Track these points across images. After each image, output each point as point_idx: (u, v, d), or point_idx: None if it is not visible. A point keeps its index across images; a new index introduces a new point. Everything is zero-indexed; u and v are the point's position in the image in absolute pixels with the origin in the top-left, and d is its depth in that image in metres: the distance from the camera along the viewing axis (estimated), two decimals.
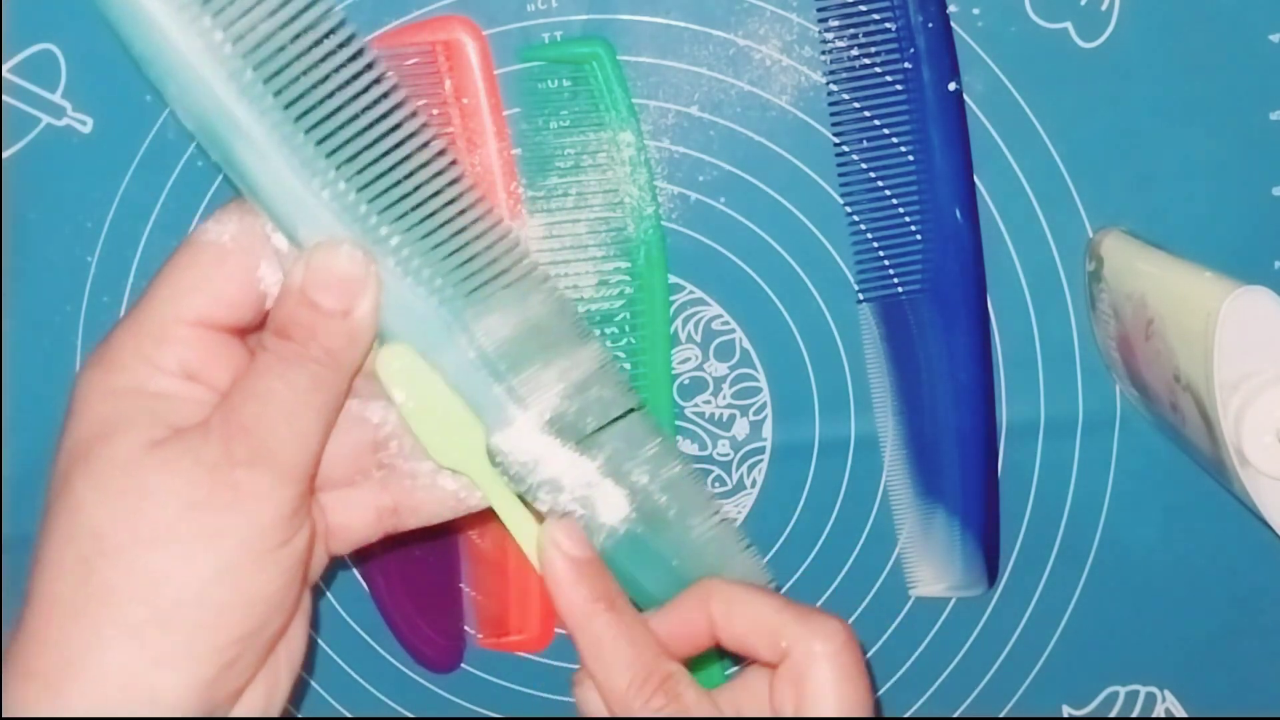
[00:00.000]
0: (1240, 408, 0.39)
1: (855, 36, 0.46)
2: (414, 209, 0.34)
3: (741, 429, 0.50)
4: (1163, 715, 0.52)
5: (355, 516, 0.36)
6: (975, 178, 0.46)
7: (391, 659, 0.51)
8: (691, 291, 0.48)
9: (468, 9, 0.46)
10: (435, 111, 0.46)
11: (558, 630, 0.51)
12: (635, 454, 0.37)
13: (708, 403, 0.49)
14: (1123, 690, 0.52)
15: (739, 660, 0.37)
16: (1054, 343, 0.49)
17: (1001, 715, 0.52)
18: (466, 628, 0.51)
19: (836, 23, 0.46)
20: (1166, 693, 0.52)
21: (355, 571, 0.50)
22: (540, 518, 0.36)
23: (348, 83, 0.33)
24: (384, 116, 0.33)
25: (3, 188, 0.47)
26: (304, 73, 0.32)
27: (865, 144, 0.47)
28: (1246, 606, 0.51)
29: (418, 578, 0.50)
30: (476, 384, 0.35)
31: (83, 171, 0.47)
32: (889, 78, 0.46)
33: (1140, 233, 0.47)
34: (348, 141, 0.33)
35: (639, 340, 0.47)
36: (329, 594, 0.51)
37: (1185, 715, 0.52)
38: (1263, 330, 0.38)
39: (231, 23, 0.32)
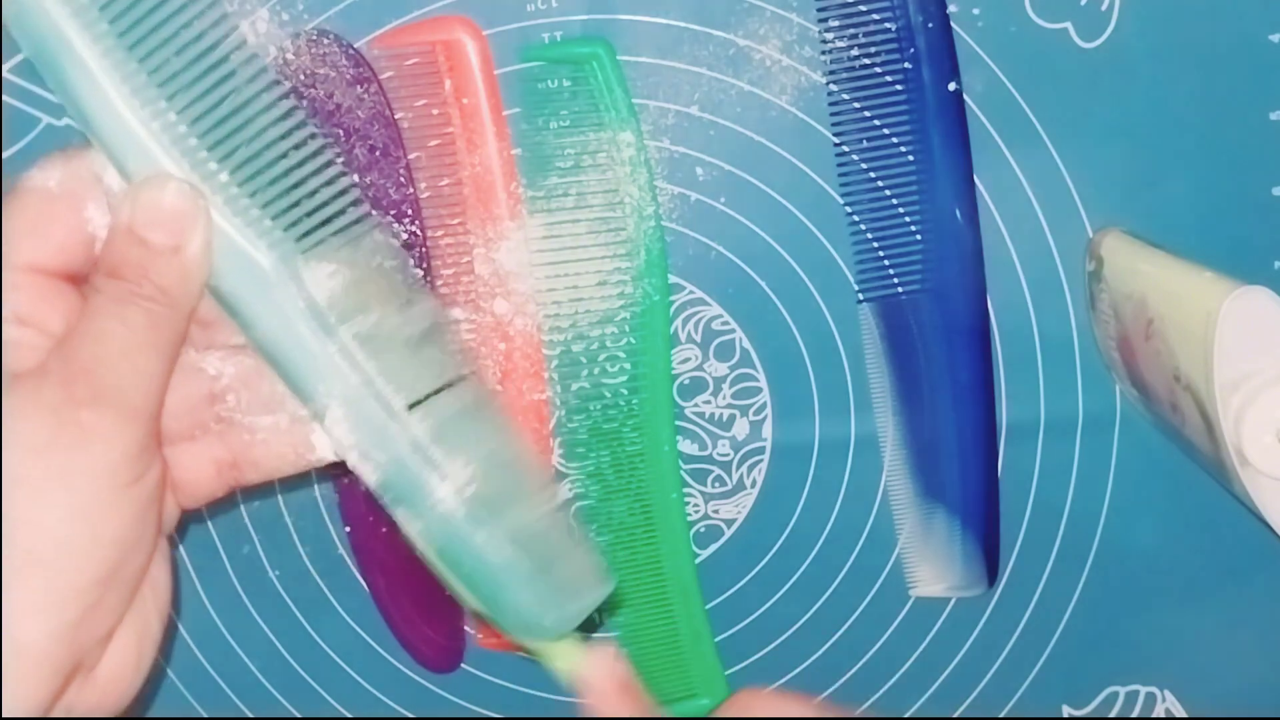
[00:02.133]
0: (1240, 408, 0.39)
1: (855, 36, 0.46)
2: (247, 146, 0.33)
3: (741, 429, 0.50)
4: (1163, 715, 0.52)
5: (196, 471, 0.36)
6: (975, 178, 0.46)
7: (391, 659, 0.51)
8: (691, 291, 0.48)
9: (468, 9, 0.46)
10: (435, 112, 0.46)
11: None
12: (469, 423, 0.34)
13: (708, 403, 0.49)
14: (1123, 690, 0.52)
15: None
16: (1054, 343, 0.49)
17: (1001, 715, 0.52)
18: (466, 628, 0.51)
19: (836, 23, 0.46)
20: (1166, 693, 0.52)
21: (355, 572, 0.50)
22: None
23: (185, 13, 0.32)
24: (222, 53, 0.32)
25: (3, 188, 0.47)
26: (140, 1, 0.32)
27: (865, 144, 0.47)
28: (1246, 606, 0.51)
29: (418, 578, 0.50)
30: (304, 335, 0.33)
31: None
32: (889, 78, 0.46)
33: (1140, 233, 0.47)
34: (181, 72, 0.32)
35: (639, 340, 0.47)
36: (329, 594, 0.51)
37: (1185, 715, 0.52)
38: (1263, 330, 0.38)
39: None
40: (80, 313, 0.33)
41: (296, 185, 0.33)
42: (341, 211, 0.34)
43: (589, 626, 0.35)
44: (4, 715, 0.30)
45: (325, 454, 0.35)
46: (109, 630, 0.33)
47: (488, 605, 0.35)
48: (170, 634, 0.51)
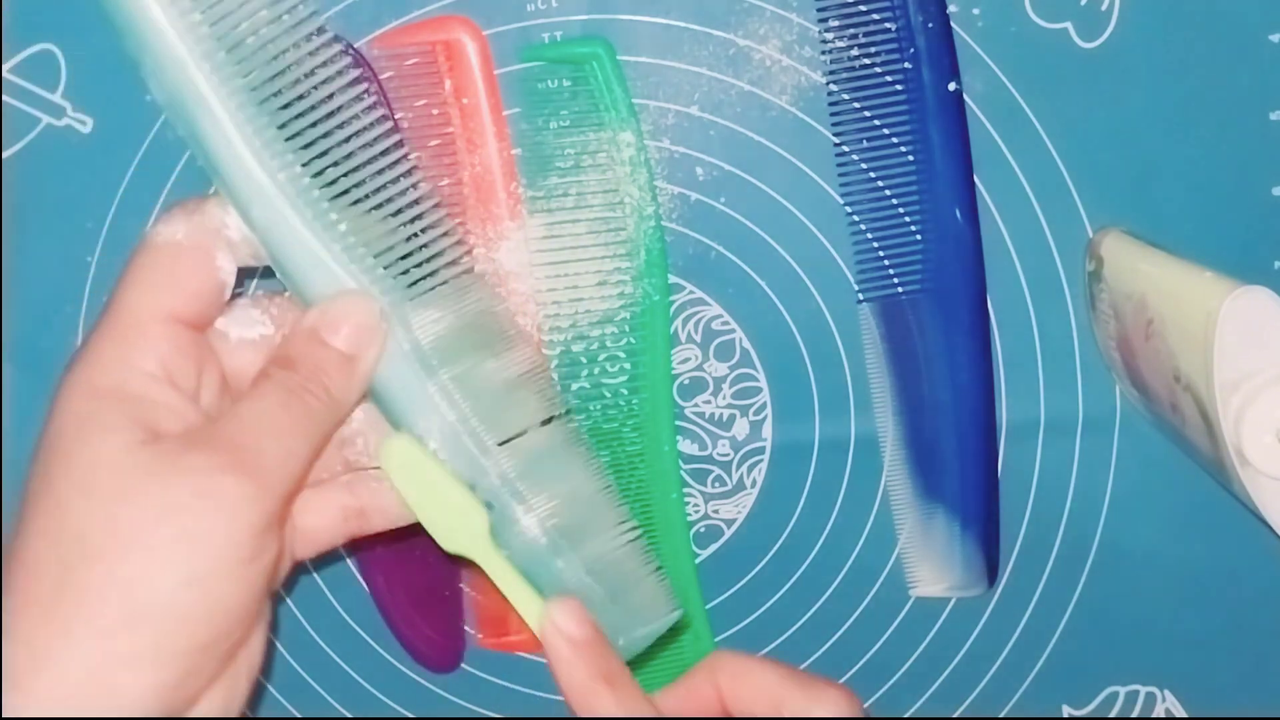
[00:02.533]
0: (1240, 408, 0.39)
1: (855, 36, 0.46)
2: (364, 199, 0.35)
3: (741, 429, 0.50)
4: (1163, 715, 0.52)
5: (321, 518, 0.36)
6: (975, 178, 0.46)
7: (391, 659, 0.51)
8: (691, 291, 0.48)
9: (468, 9, 0.46)
10: (435, 112, 0.46)
11: None
12: (555, 461, 0.37)
13: (708, 403, 0.49)
14: (1123, 690, 0.52)
15: None
16: (1054, 343, 0.49)
17: (1001, 715, 0.52)
18: (466, 628, 0.51)
19: (836, 23, 0.46)
20: (1166, 693, 0.52)
21: (355, 572, 0.50)
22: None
23: (314, 75, 0.34)
24: (346, 111, 0.35)
25: (3, 188, 0.47)
26: (273, 59, 0.34)
27: (865, 144, 0.47)
28: (1246, 606, 0.51)
29: (418, 578, 0.50)
30: (407, 376, 0.36)
31: (83, 171, 0.47)
32: (889, 78, 0.46)
33: (1140, 233, 0.47)
34: (308, 129, 0.35)
35: (639, 340, 0.47)
36: (329, 594, 0.51)
37: (1185, 715, 0.52)
38: (1263, 330, 0.38)
39: (211, 5, 0.34)
40: (214, 366, 0.35)
41: (408, 234, 0.36)
42: (450, 261, 0.36)
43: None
44: None
45: None
46: (201, 691, 0.33)
47: None
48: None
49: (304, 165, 0.35)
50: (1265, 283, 0.38)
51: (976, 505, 0.48)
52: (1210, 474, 0.43)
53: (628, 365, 0.47)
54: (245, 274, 0.36)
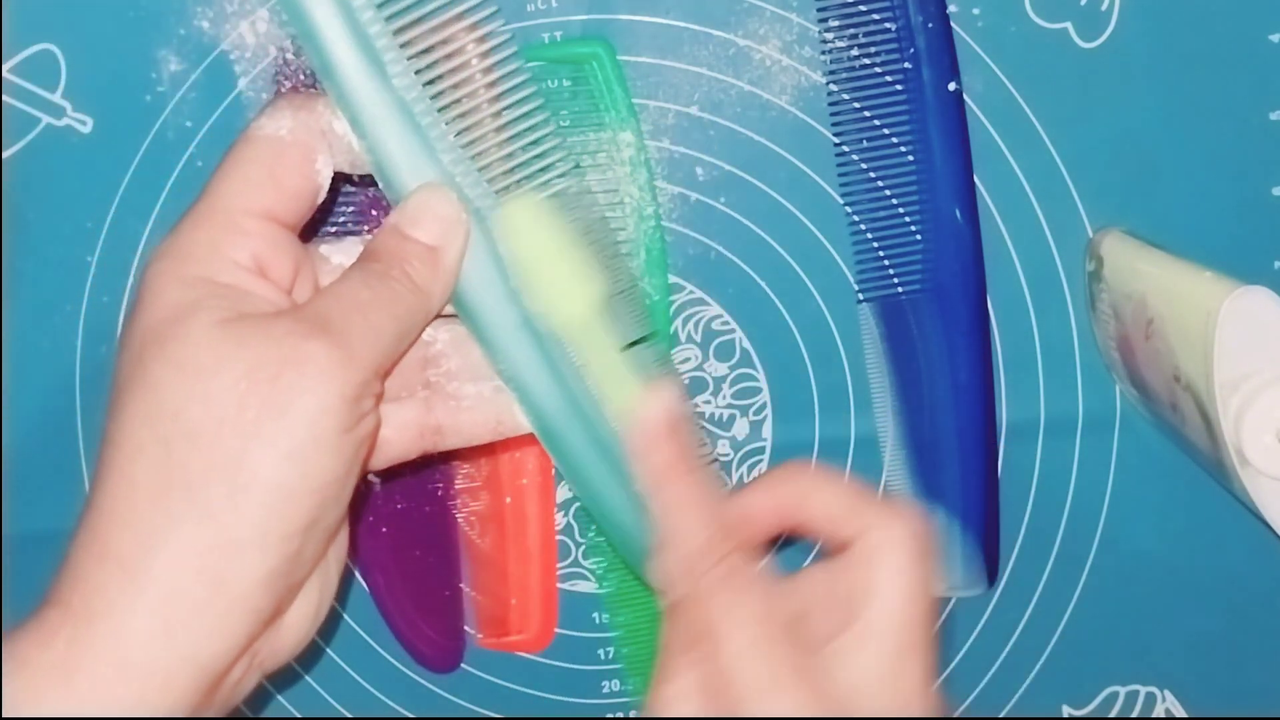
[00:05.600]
0: (1240, 408, 0.39)
1: (855, 36, 0.46)
2: (472, 111, 0.35)
3: (741, 429, 0.50)
4: (1163, 715, 0.52)
5: (398, 432, 0.37)
6: (975, 178, 0.46)
7: (391, 659, 0.51)
8: (691, 291, 0.48)
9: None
10: None
11: (558, 630, 0.51)
12: (639, 386, 0.37)
13: (708, 403, 0.49)
14: (1123, 690, 0.52)
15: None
16: (1054, 343, 0.49)
17: (1001, 715, 0.52)
18: (466, 628, 0.51)
19: (836, 23, 0.46)
20: (1166, 693, 0.52)
21: (356, 572, 0.50)
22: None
23: None
24: (459, 21, 0.35)
25: (3, 188, 0.47)
26: None
27: (865, 144, 0.47)
28: (1246, 606, 0.51)
29: (418, 578, 0.50)
30: (493, 279, 0.36)
31: (83, 171, 0.47)
32: (889, 78, 0.46)
33: (1140, 233, 0.47)
34: (423, 35, 0.35)
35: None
36: None
37: (1185, 715, 0.52)
38: (1263, 330, 0.38)
39: None
40: (309, 271, 0.35)
41: (512, 145, 0.36)
42: (552, 173, 0.36)
43: None
44: (203, 655, 0.31)
45: (523, 425, 0.37)
46: (305, 578, 0.33)
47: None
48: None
49: (417, 72, 0.35)
50: (1265, 283, 0.38)
51: (976, 505, 0.48)
52: (1210, 474, 0.43)
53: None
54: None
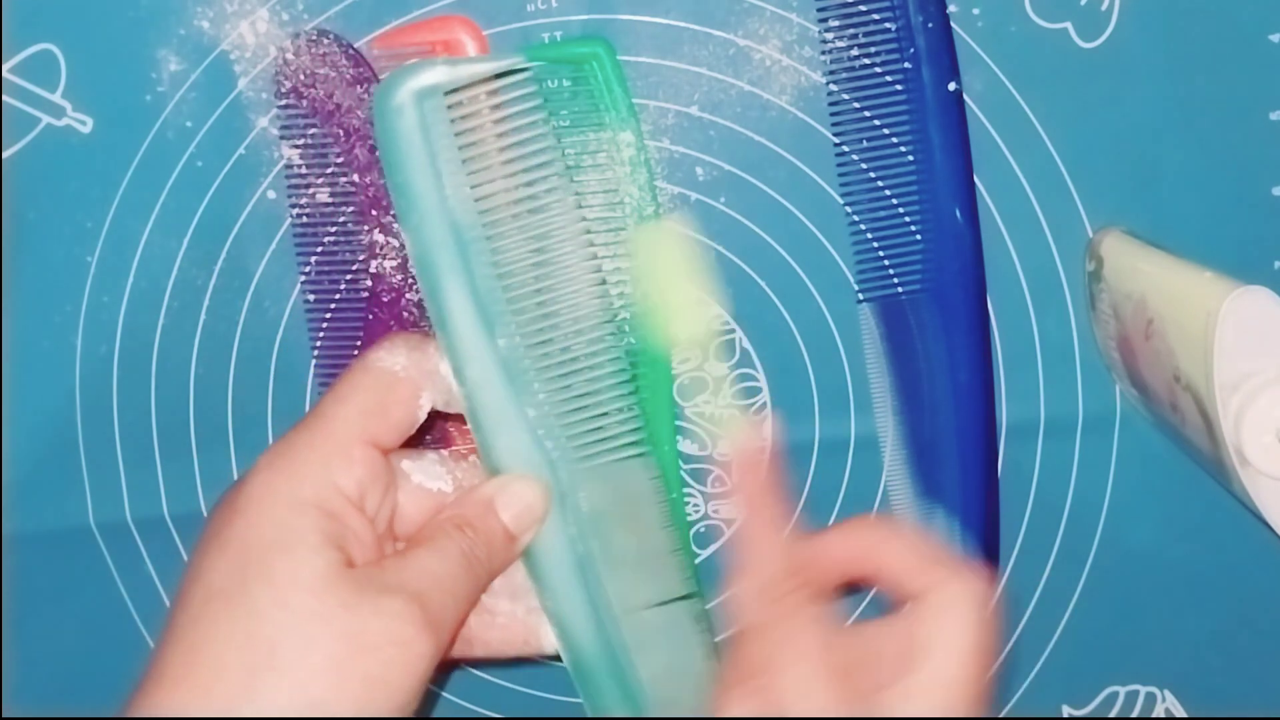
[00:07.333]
0: (1240, 408, 0.39)
1: (855, 36, 0.46)
2: (566, 377, 0.39)
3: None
4: (1163, 715, 0.52)
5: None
6: (975, 178, 0.46)
7: None
8: None
9: (468, 9, 0.46)
10: None
11: None
12: (669, 639, 0.40)
13: (708, 403, 0.49)
14: (1123, 690, 0.52)
15: None
16: (1054, 343, 0.49)
17: (1001, 715, 0.51)
18: None
19: (836, 23, 0.46)
20: (1166, 693, 0.52)
21: None
22: None
23: (548, 257, 0.39)
24: (565, 291, 0.39)
25: (3, 188, 0.47)
26: (522, 241, 0.39)
27: (865, 144, 0.47)
28: (1246, 606, 0.51)
29: None
30: (556, 543, 0.39)
31: (83, 171, 0.47)
32: (889, 78, 0.46)
33: (1140, 233, 0.47)
34: (531, 304, 0.39)
35: (639, 340, 0.47)
36: None
37: (1185, 715, 0.52)
38: (1263, 330, 0.38)
39: (485, 181, 0.38)
40: (392, 496, 0.38)
41: (596, 413, 0.40)
42: (626, 441, 0.40)
43: None
44: None
45: (549, 648, 0.40)
46: None
47: None
48: None
49: (521, 337, 0.38)
50: (1265, 283, 0.38)
51: (976, 505, 0.48)
52: (1210, 474, 0.43)
53: (628, 365, 0.47)
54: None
